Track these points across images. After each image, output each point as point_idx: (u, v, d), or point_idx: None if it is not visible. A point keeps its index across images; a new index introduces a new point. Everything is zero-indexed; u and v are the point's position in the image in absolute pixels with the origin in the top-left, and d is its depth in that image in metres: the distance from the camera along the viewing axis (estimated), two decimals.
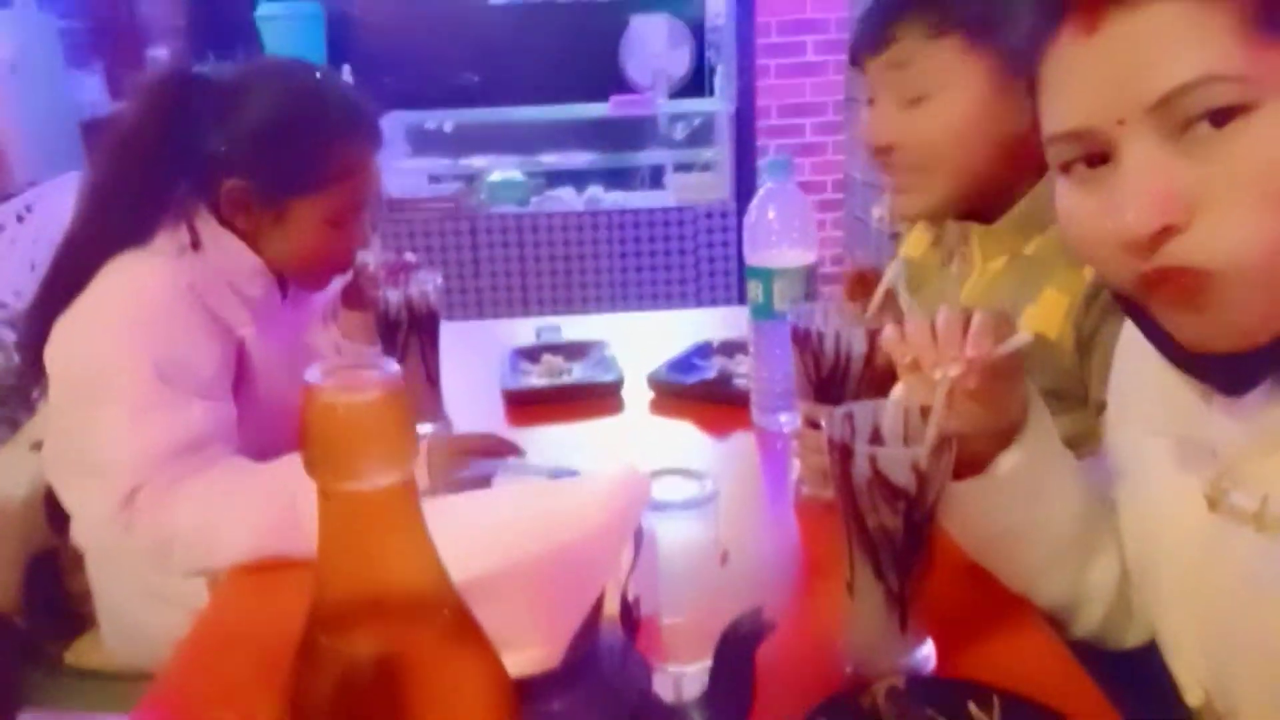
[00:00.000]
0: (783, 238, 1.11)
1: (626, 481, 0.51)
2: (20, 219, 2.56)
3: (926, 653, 0.71)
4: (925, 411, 0.68)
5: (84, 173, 1.06)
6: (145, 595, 1.12)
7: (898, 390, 0.72)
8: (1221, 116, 0.52)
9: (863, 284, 1.06)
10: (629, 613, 0.58)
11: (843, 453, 0.67)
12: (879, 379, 0.96)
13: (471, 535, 0.49)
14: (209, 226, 1.03)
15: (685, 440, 1.18)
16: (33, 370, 1.04)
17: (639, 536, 0.57)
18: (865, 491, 0.67)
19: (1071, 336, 0.94)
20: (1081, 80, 0.56)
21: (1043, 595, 0.77)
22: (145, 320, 0.98)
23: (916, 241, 1.17)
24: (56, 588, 1.26)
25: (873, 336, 0.89)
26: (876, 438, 0.70)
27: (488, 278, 3.42)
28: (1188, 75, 0.51)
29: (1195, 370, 0.61)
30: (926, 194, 1.01)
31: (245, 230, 1.04)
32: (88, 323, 0.99)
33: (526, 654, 0.52)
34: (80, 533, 1.06)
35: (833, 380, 0.91)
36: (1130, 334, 0.72)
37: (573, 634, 0.52)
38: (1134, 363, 0.72)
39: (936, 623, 0.72)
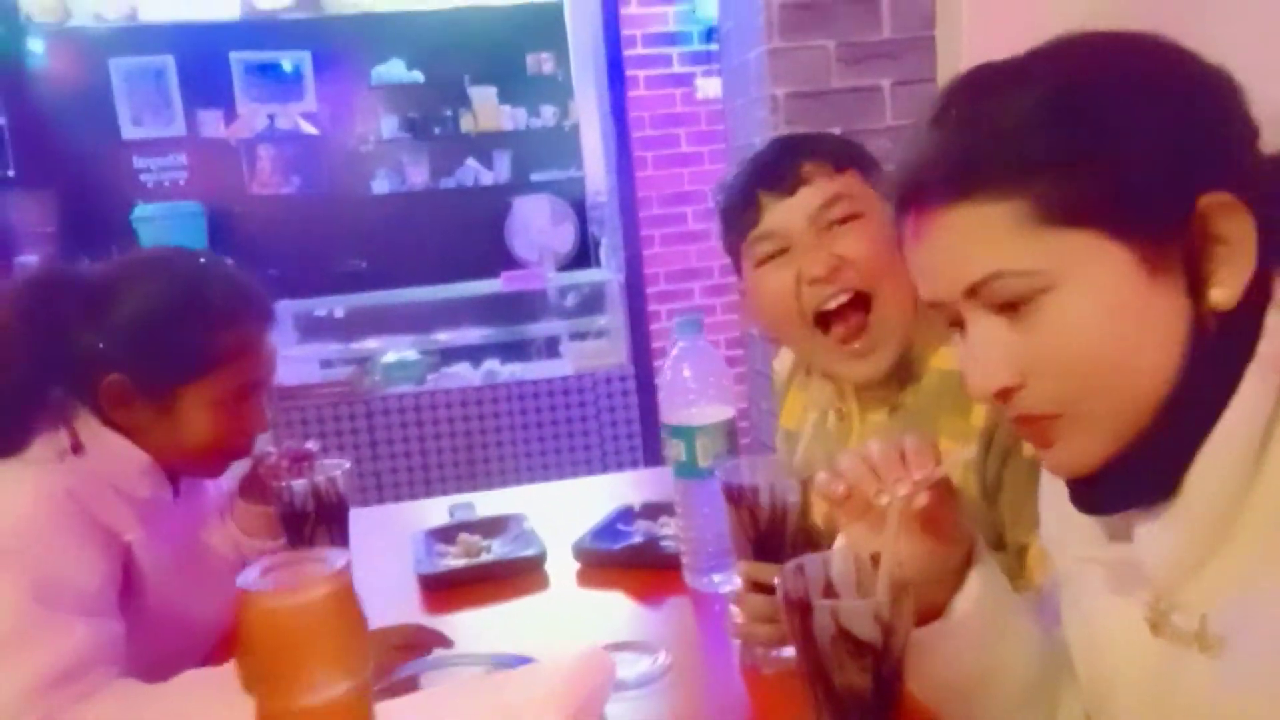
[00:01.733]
0: (700, 395, 1.11)
1: (590, 663, 0.47)
2: None
3: None
4: (875, 559, 0.67)
5: None
6: None
7: (842, 539, 0.70)
8: (1020, 301, 0.59)
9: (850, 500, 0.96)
10: None
11: (802, 610, 0.64)
12: (815, 529, 0.95)
13: None
14: (89, 427, 0.96)
15: (618, 611, 1.13)
16: None
17: None
18: (829, 649, 0.64)
19: (976, 484, 0.95)
20: (921, 266, 0.64)
21: None
22: (18, 541, 0.88)
23: (788, 413, 1.20)
24: None
25: (805, 486, 0.88)
26: (830, 591, 0.68)
27: (387, 460, 3.32)
28: (979, 274, 0.59)
29: (1074, 497, 0.65)
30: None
31: (129, 426, 0.98)
32: None
33: None
34: None
35: (771, 534, 0.89)
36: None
37: None
38: (1055, 493, 0.73)
39: None
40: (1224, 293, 0.56)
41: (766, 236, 1.03)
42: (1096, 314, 0.57)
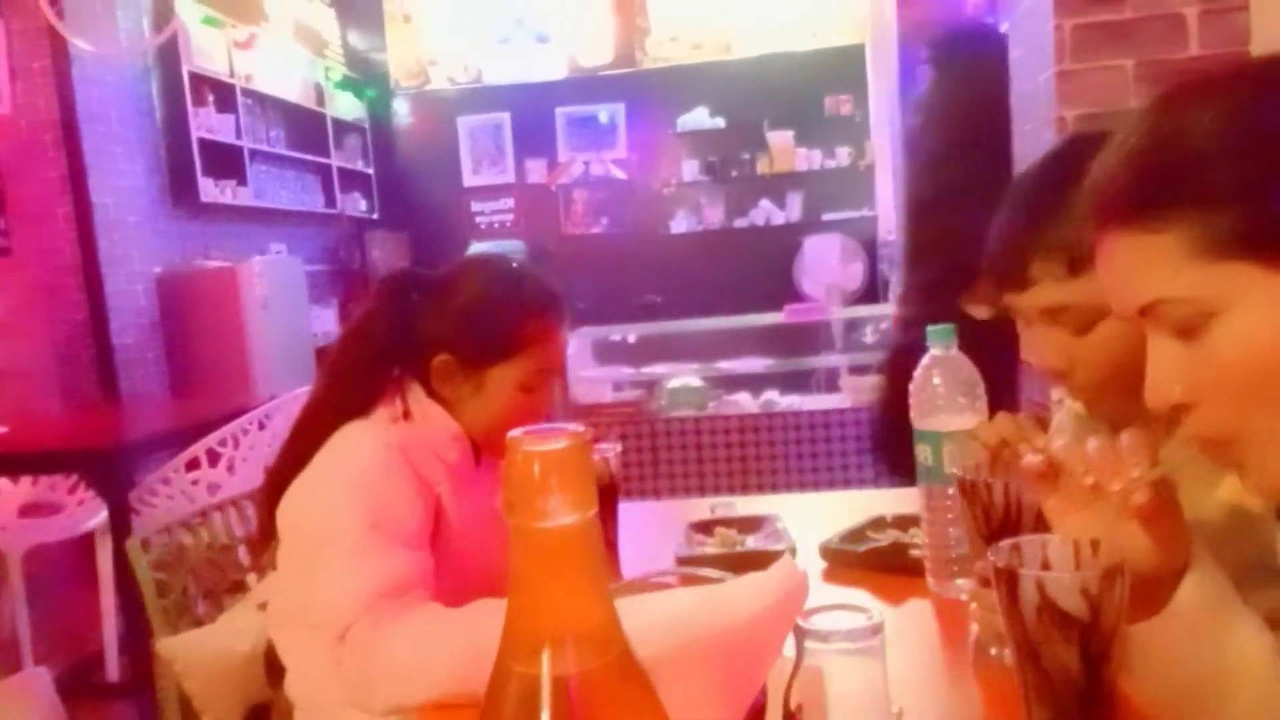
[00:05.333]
0: (949, 401, 1.13)
1: (785, 574, 0.55)
2: (261, 426, 2.93)
3: None
4: (1095, 546, 0.68)
5: (322, 357, 1.26)
6: None
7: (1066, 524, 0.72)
8: (1186, 328, 0.59)
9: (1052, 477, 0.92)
10: (790, 718, 0.59)
11: (1009, 580, 0.67)
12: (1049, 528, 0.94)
13: (645, 622, 0.54)
14: (418, 399, 1.18)
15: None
16: (266, 531, 1.19)
17: (801, 640, 0.60)
18: (1035, 622, 0.66)
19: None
20: (1105, 282, 0.67)
21: None
22: (362, 480, 1.11)
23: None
24: None
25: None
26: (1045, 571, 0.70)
27: (666, 479, 3.52)
28: (1143, 300, 0.61)
29: None
30: (1112, 409, 0.95)
31: (449, 399, 1.19)
32: (314, 484, 1.14)
33: None
34: (293, 684, 1.16)
35: (1005, 531, 0.90)
36: None
37: None
38: None
39: None
40: None
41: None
42: (1257, 341, 0.58)
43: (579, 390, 3.73)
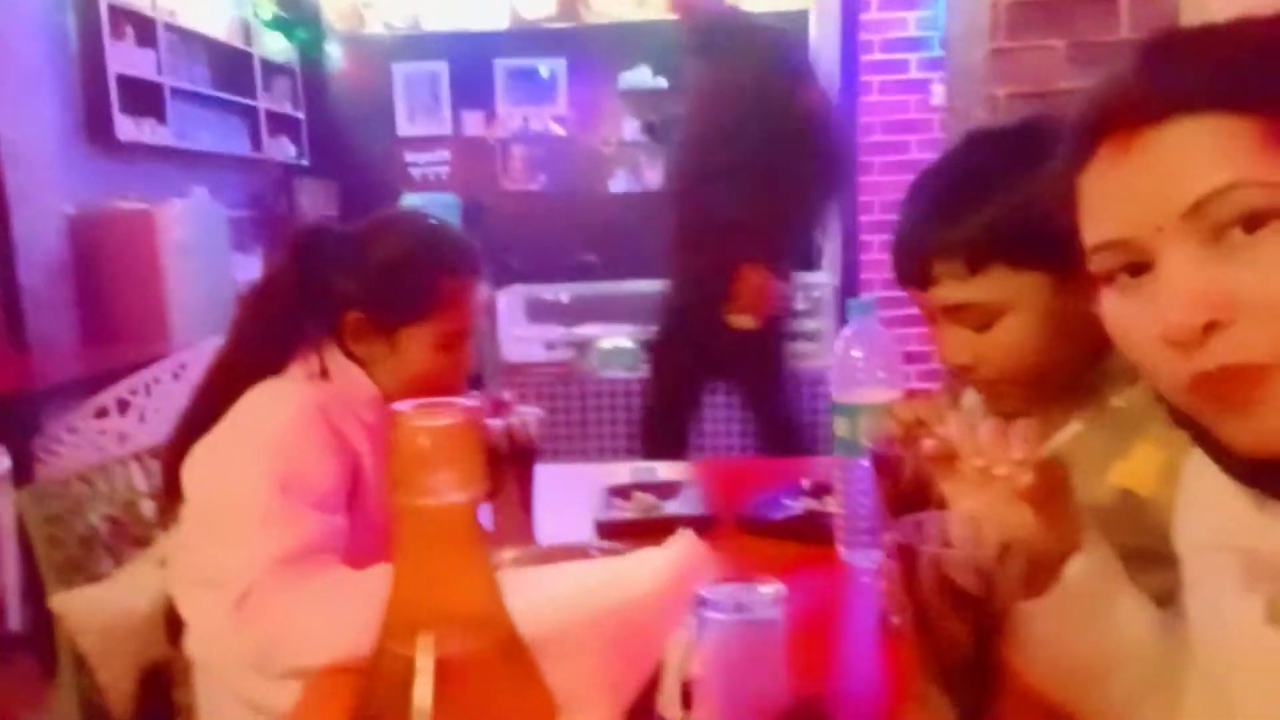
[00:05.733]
0: (868, 375, 1.14)
1: (682, 550, 0.55)
2: (176, 375, 2.84)
3: None
4: (988, 526, 0.69)
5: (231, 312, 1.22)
6: (246, 708, 1.17)
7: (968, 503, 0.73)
8: (1253, 222, 0.54)
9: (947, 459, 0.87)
10: (688, 690, 0.59)
11: (909, 556, 0.68)
12: None
13: (534, 599, 0.53)
14: (335, 357, 1.15)
15: (771, 574, 1.18)
16: (172, 489, 1.15)
17: (702, 618, 0.60)
18: (930, 596, 0.67)
19: (1171, 493, 0.91)
20: (1120, 193, 0.60)
21: None
22: (274, 441, 1.08)
23: None
24: (165, 699, 1.32)
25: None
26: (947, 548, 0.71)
27: (595, 439, 3.52)
28: (1217, 182, 0.55)
29: (1252, 478, 0.61)
30: (1016, 400, 0.96)
31: (363, 358, 1.16)
32: (223, 444, 1.10)
33: (587, 716, 0.54)
34: (193, 643, 1.14)
35: (912, 506, 0.91)
36: (1196, 453, 0.72)
37: (631, 698, 0.55)
38: (1196, 479, 0.72)
39: None
40: None
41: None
42: None
43: (510, 349, 3.69)
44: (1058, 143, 0.68)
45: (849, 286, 3.61)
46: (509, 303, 3.96)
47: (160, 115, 4.26)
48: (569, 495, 1.43)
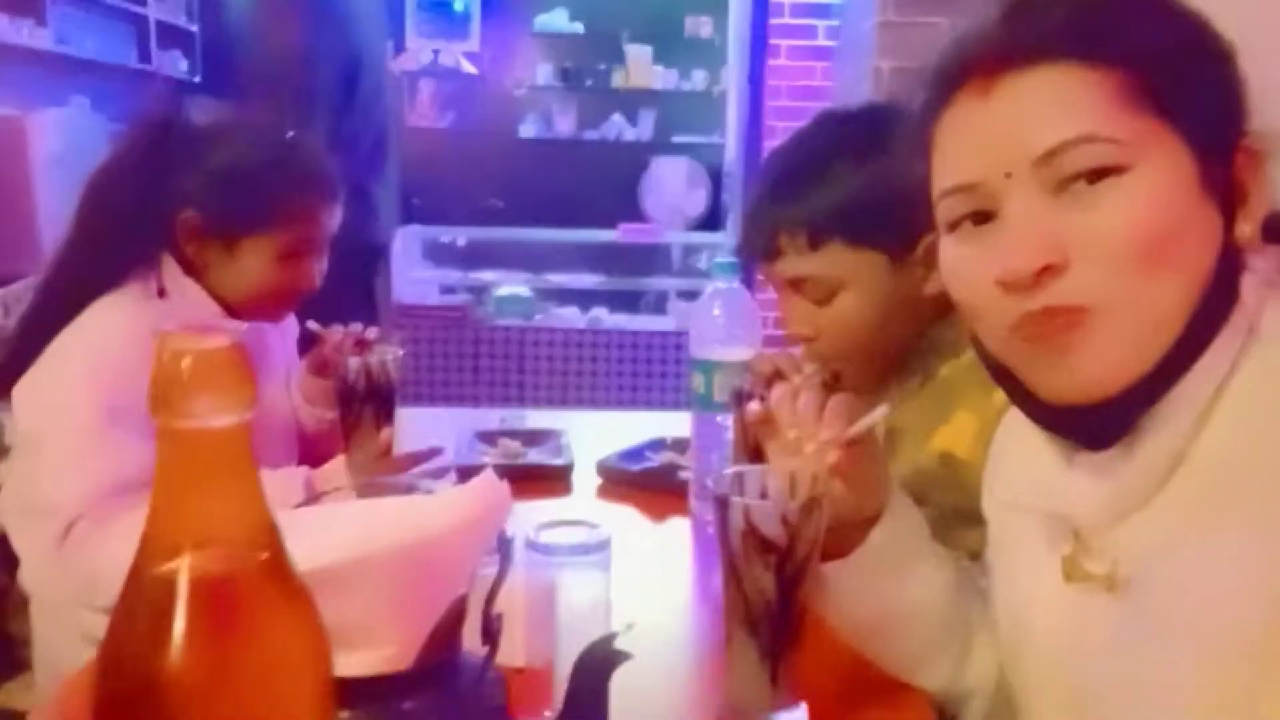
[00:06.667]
0: (728, 334, 1.17)
1: (482, 487, 0.55)
2: None
3: (798, 716, 0.72)
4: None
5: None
6: (81, 640, 1.14)
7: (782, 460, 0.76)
8: (1096, 175, 0.58)
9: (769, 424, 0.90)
10: (489, 627, 0.61)
11: (721, 505, 0.71)
12: None
13: (326, 531, 0.53)
14: (174, 275, 1.11)
15: (625, 523, 1.21)
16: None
17: (504, 551, 0.61)
18: (739, 544, 0.70)
19: (984, 456, 0.97)
20: (974, 138, 0.62)
21: (924, 686, 0.78)
22: (105, 365, 1.03)
23: None
24: (1, 630, 1.28)
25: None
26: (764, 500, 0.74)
27: (486, 386, 3.50)
28: (1069, 133, 0.57)
29: (1058, 425, 0.65)
30: (853, 373, 1.00)
31: (200, 265, 1.12)
32: (50, 369, 1.05)
33: (379, 652, 0.54)
34: (25, 575, 1.10)
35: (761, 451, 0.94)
36: (1009, 417, 0.77)
37: (425, 636, 0.55)
38: (1006, 441, 0.76)
39: (816, 694, 0.73)
40: (1247, 229, 0.59)
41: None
42: (1159, 204, 0.57)
43: (404, 290, 3.62)
44: (902, 129, 0.70)
45: None
46: (406, 243, 3.87)
47: (40, 17, 3.98)
48: (442, 439, 1.42)
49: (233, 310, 1.15)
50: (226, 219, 1.11)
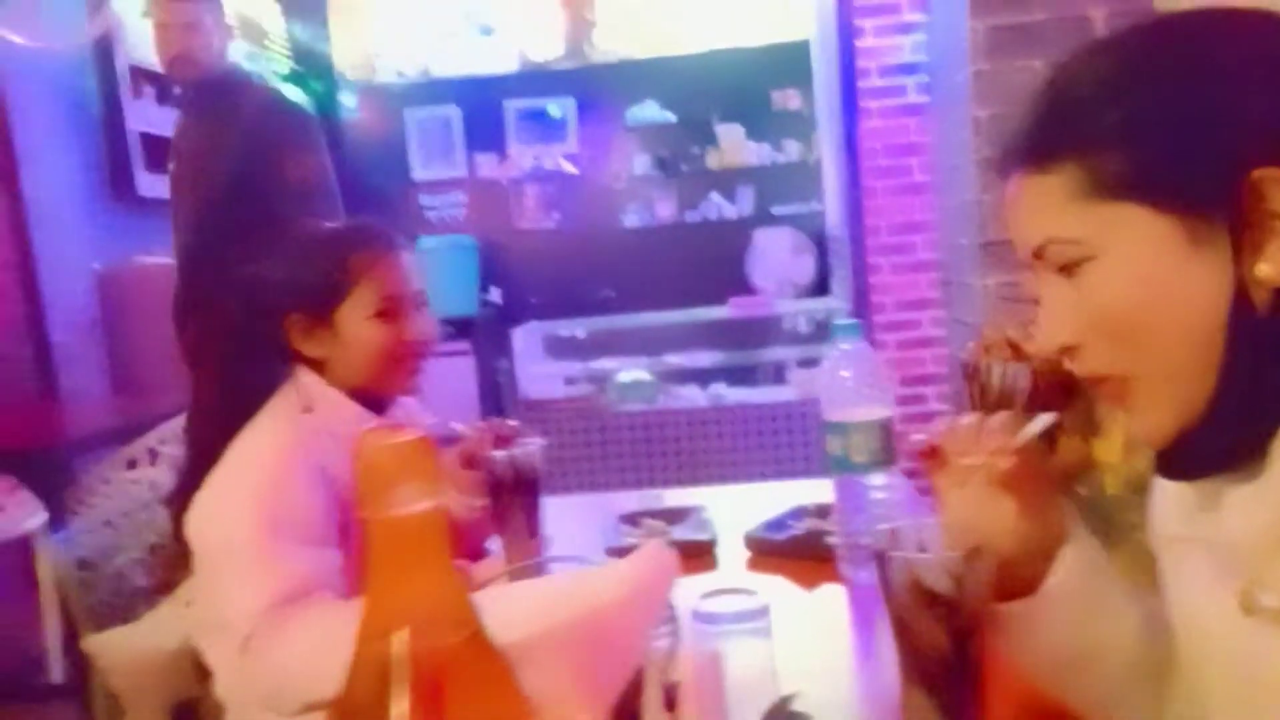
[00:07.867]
0: (858, 394, 1.17)
1: (650, 555, 0.57)
2: None
3: None
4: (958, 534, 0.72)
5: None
6: None
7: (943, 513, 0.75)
8: (1070, 267, 0.63)
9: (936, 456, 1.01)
10: (670, 696, 0.62)
11: (882, 562, 0.71)
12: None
13: (506, 608, 0.56)
14: (315, 386, 1.19)
15: (777, 594, 1.20)
16: (181, 537, 1.19)
17: (675, 620, 0.62)
18: (906, 601, 0.69)
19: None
20: (1010, 231, 0.69)
21: None
22: (259, 483, 1.11)
23: None
24: None
25: (1035, 375, 0.95)
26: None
27: (616, 473, 3.54)
28: (1037, 239, 0.65)
29: (1160, 465, 0.66)
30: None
31: (320, 359, 1.20)
32: (215, 491, 1.14)
33: (567, 716, 0.57)
34: (218, 686, 1.17)
35: (998, 407, 0.94)
36: None
37: (610, 700, 0.57)
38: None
39: None
40: (1270, 268, 0.57)
41: None
42: (1131, 282, 0.61)
43: (529, 386, 3.73)
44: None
45: (860, 310, 3.62)
46: (527, 340, 4.00)
47: None
48: (585, 525, 1.46)
49: (366, 393, 1.21)
50: (314, 300, 1.19)
